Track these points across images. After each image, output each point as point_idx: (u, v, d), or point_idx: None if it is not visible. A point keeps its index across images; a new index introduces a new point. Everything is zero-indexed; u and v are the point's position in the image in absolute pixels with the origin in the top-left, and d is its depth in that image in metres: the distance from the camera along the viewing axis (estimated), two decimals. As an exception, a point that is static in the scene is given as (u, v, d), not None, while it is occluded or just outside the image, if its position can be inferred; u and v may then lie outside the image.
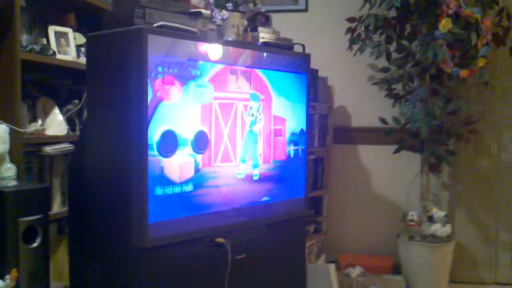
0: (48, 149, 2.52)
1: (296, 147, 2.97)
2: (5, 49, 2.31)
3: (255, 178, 2.70)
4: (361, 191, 4.24)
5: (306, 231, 3.37)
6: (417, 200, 3.91)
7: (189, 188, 2.37)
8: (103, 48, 2.30)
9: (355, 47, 3.78)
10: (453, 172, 4.06)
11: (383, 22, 3.67)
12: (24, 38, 2.55)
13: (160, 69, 2.20)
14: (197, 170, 2.40)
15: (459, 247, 3.92)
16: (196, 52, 2.37)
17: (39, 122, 2.58)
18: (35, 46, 2.51)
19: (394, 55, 3.78)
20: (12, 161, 2.21)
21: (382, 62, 3.84)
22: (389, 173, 4.17)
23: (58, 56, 2.64)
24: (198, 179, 2.41)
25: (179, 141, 2.30)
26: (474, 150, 4.02)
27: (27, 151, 2.44)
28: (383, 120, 3.89)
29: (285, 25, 3.11)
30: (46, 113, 2.60)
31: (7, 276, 2.03)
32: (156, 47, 2.18)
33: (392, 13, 3.72)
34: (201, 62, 2.39)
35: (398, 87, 3.82)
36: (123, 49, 2.18)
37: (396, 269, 3.87)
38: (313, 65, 3.19)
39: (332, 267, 3.54)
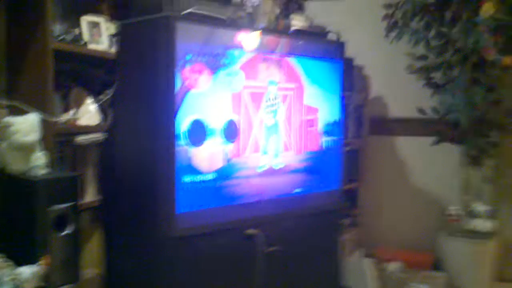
0: (80, 139, 2.55)
1: (330, 138, 2.91)
2: (37, 39, 2.33)
3: (277, 168, 2.62)
4: (399, 184, 4.15)
5: (342, 224, 3.31)
6: (457, 194, 3.79)
7: (218, 178, 2.34)
8: (132, 36, 2.31)
9: (392, 34, 3.69)
10: (497, 165, 3.91)
11: (421, 8, 3.56)
12: (57, 28, 2.57)
13: (189, 57, 2.18)
14: (226, 160, 2.37)
15: (506, 244, 3.77)
16: (226, 39, 2.34)
17: (72, 112, 2.60)
18: (66, 36, 2.53)
19: (434, 43, 3.66)
20: (44, 150, 2.24)
21: (420, 51, 3.73)
22: (427, 166, 4.06)
23: (90, 46, 2.65)
24: (228, 169, 2.38)
25: (208, 130, 2.28)
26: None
27: (60, 141, 2.47)
28: (421, 111, 3.78)
29: (321, 12, 3.05)
30: (79, 103, 2.62)
31: (39, 262, 2.05)
32: (185, 35, 2.16)
33: None
34: (231, 50, 2.35)
35: (437, 76, 3.70)
36: (152, 37, 2.18)
37: (437, 265, 3.76)
38: (349, 53, 3.12)
39: (369, 261, 3.48)
